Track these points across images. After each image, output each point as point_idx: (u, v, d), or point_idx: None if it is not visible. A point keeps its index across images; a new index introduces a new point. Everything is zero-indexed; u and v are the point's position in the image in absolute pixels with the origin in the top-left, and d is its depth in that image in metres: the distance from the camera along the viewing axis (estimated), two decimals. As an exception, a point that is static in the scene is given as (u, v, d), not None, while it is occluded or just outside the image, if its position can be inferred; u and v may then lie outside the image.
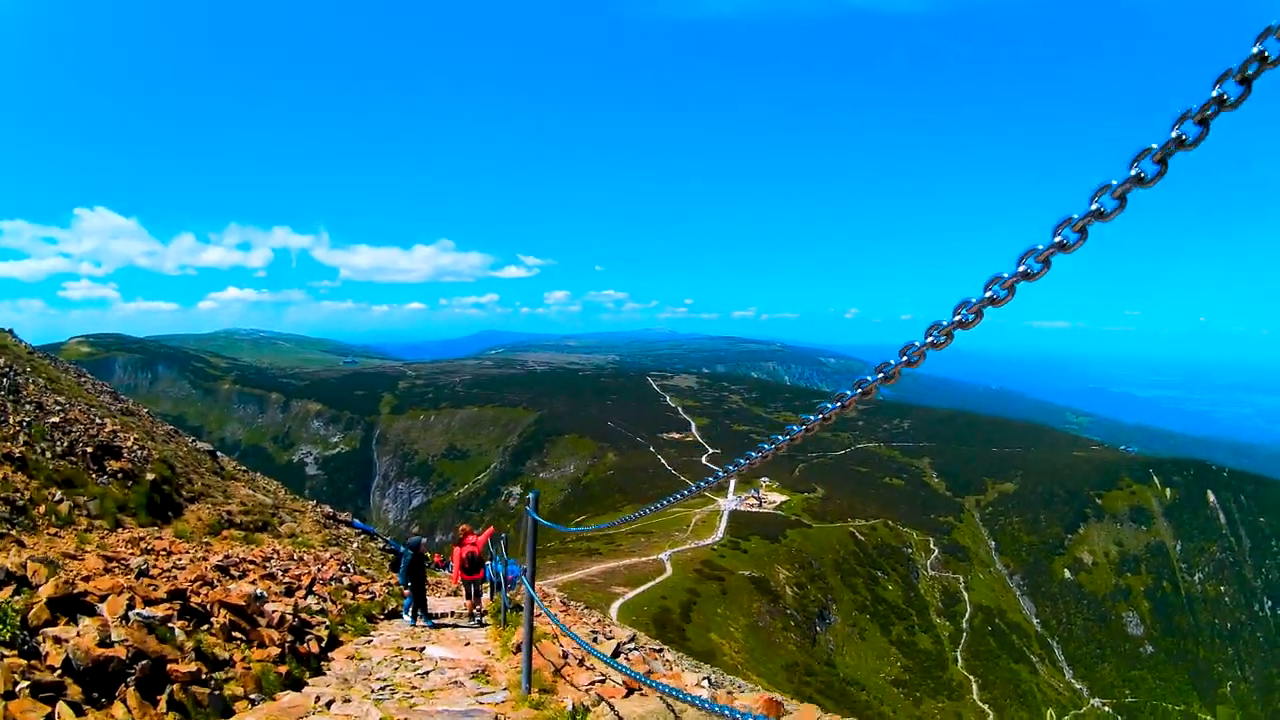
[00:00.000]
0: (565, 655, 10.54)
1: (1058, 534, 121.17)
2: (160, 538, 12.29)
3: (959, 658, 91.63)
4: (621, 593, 64.55)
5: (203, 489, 18.53)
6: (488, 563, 15.98)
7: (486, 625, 14.67)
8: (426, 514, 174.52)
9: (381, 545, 32.41)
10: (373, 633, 13.07)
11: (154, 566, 9.57)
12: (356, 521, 34.66)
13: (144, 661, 6.30)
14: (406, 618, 14.63)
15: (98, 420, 17.77)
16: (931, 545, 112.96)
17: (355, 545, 28.23)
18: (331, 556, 18.50)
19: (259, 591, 10.19)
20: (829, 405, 2.06)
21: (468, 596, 15.73)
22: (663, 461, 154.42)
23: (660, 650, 12.99)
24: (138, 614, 7.24)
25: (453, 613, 16.20)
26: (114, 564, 8.79)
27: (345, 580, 15.75)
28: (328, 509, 31.78)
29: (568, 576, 65.47)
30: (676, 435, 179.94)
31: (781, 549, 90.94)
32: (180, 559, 10.87)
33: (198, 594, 8.61)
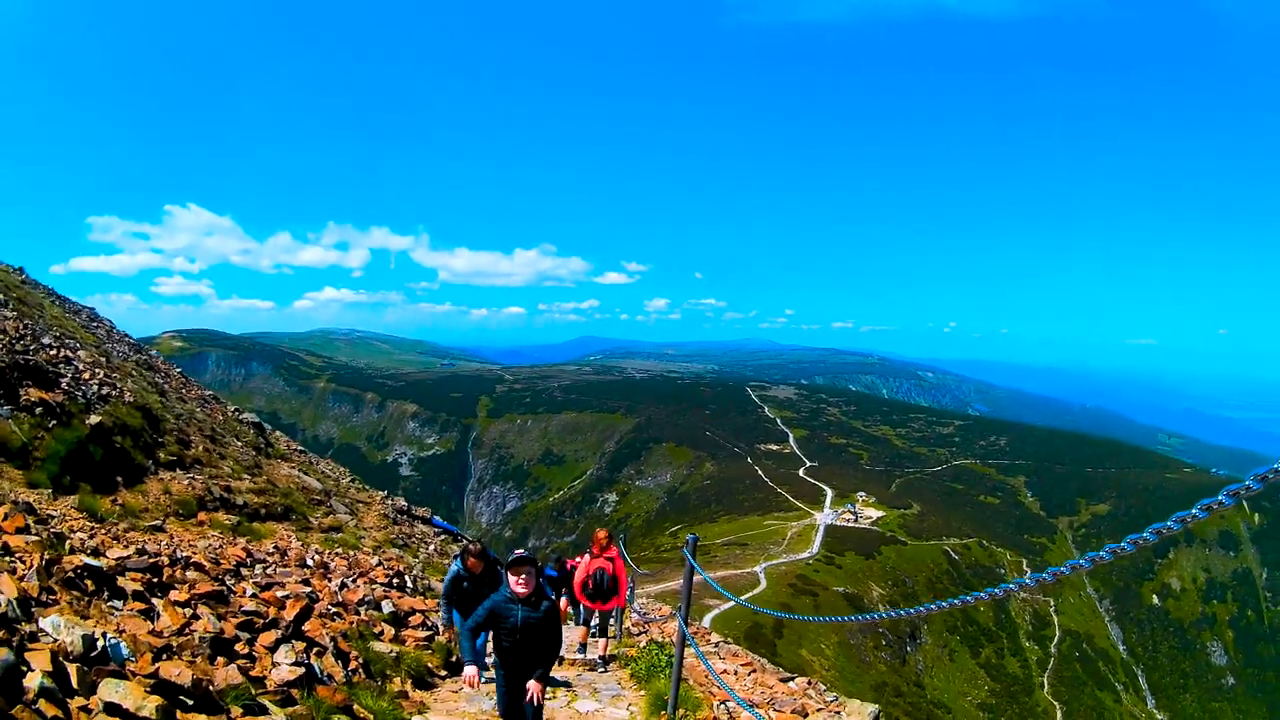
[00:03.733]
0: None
1: (1148, 558, 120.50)
2: (23, 506, 6.53)
3: (1045, 683, 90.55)
4: (715, 605, 63.61)
5: (202, 456, 13.04)
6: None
7: (608, 674, 9.94)
8: (520, 518, 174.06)
9: (466, 549, 26.90)
10: None
11: None
12: (437, 519, 29.36)
13: None
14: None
15: (46, 341, 12.52)
16: (1024, 566, 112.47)
17: (431, 549, 22.68)
18: (381, 563, 12.66)
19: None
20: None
21: (591, 632, 10.98)
22: (760, 473, 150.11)
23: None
24: None
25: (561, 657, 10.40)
26: None
27: (387, 605, 9.67)
28: (402, 502, 26.50)
29: (660, 587, 62.18)
30: (774, 446, 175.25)
31: (876, 565, 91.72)
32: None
33: None
